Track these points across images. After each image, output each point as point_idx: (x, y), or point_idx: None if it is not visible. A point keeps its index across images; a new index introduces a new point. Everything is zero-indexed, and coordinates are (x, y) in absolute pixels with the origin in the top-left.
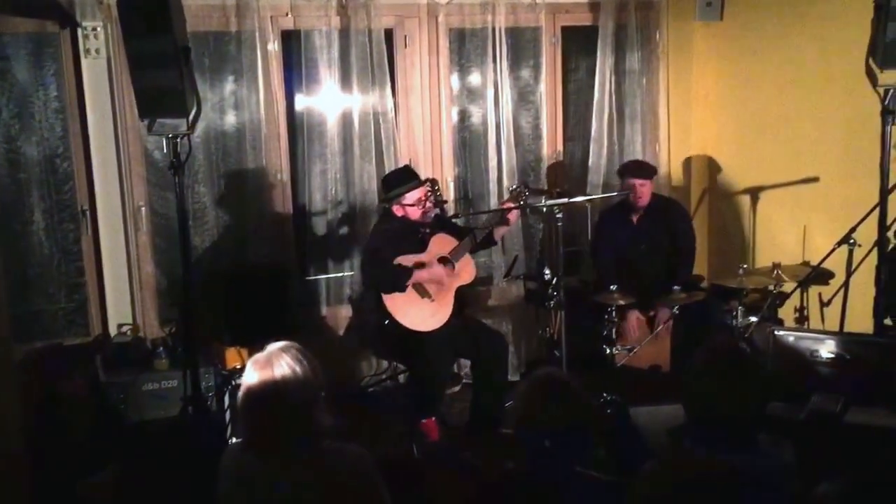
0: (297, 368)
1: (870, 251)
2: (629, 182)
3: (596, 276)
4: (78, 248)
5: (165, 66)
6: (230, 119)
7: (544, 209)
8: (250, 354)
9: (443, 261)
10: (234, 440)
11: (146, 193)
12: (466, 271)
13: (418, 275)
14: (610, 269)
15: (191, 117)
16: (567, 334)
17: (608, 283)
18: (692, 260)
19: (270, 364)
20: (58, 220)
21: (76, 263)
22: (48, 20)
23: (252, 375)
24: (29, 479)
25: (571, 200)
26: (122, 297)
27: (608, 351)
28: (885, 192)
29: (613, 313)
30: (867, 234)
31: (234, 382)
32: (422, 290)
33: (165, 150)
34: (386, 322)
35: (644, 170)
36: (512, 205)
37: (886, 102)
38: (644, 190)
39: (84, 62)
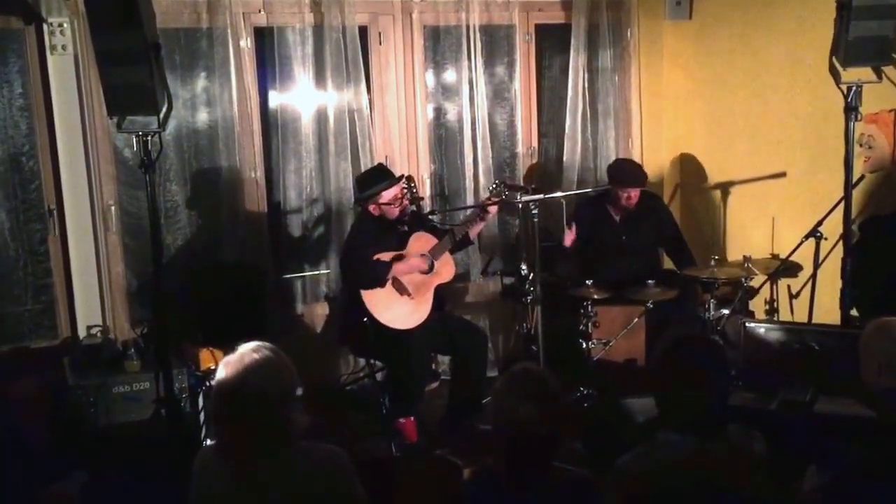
0: (270, 367)
1: (836, 244)
2: (626, 192)
3: (562, 266)
4: (45, 249)
5: (135, 63)
6: (202, 116)
7: (520, 205)
8: (225, 355)
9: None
10: (208, 442)
11: (116, 192)
12: (446, 270)
13: (397, 267)
14: (578, 260)
15: (162, 114)
16: (544, 329)
17: (575, 272)
18: (685, 243)
19: (242, 365)
20: (24, 219)
21: (43, 264)
22: (12, 16)
23: (223, 376)
24: None
25: (548, 196)
26: (92, 298)
27: (584, 345)
28: (849, 187)
29: (590, 308)
30: (833, 227)
31: (208, 383)
32: (401, 288)
33: (136, 148)
34: (364, 319)
35: (638, 178)
36: (492, 200)
37: (849, 99)
38: (635, 195)
39: (50, 59)
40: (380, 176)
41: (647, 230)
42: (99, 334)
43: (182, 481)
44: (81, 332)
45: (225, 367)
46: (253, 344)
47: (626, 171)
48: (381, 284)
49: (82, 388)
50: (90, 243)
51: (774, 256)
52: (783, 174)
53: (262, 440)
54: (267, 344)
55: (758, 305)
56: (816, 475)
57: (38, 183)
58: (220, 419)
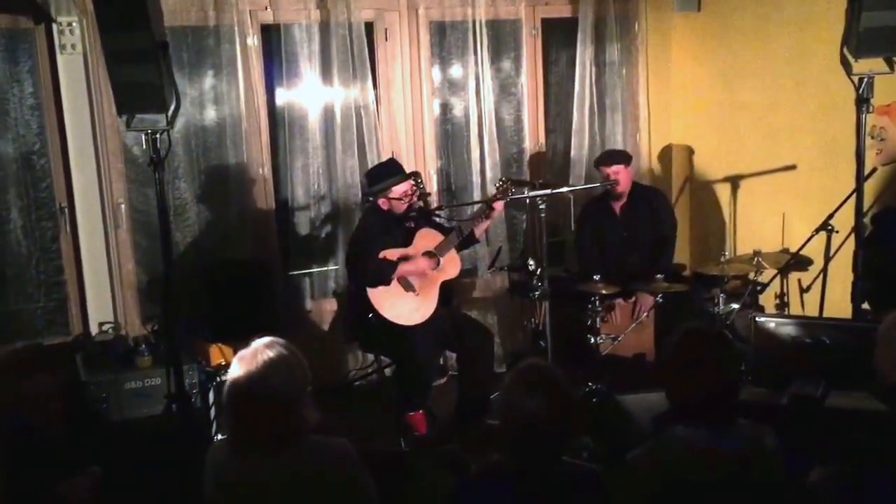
0: (283, 363)
1: (847, 237)
2: (605, 172)
3: (580, 268)
4: (56, 247)
5: (143, 62)
6: (210, 114)
7: (527, 200)
8: (234, 351)
9: (428, 255)
10: (218, 437)
11: (125, 190)
12: (451, 266)
13: (403, 268)
14: (594, 260)
15: (170, 113)
16: (552, 325)
17: (592, 273)
18: (672, 248)
19: (256, 359)
20: (35, 218)
21: (55, 262)
22: (22, 16)
23: (237, 371)
24: (3, 482)
25: (555, 191)
26: (103, 295)
27: (593, 340)
28: (861, 179)
29: (597, 303)
30: (844, 220)
31: (218, 379)
32: (406, 284)
33: (145, 146)
34: (370, 315)
35: (615, 157)
36: (498, 197)
37: (861, 91)
38: (621, 176)
39: (60, 58)
40: (391, 170)
41: (647, 225)
42: (110, 331)
43: (193, 476)
44: (93, 329)
45: (239, 362)
46: (266, 339)
47: (606, 153)
48: (386, 283)
49: (95, 384)
50: (101, 241)
51: (785, 250)
52: (793, 167)
53: (273, 434)
54: (280, 340)
55: (768, 300)
56: (827, 469)
57: (49, 181)
58: (232, 413)
